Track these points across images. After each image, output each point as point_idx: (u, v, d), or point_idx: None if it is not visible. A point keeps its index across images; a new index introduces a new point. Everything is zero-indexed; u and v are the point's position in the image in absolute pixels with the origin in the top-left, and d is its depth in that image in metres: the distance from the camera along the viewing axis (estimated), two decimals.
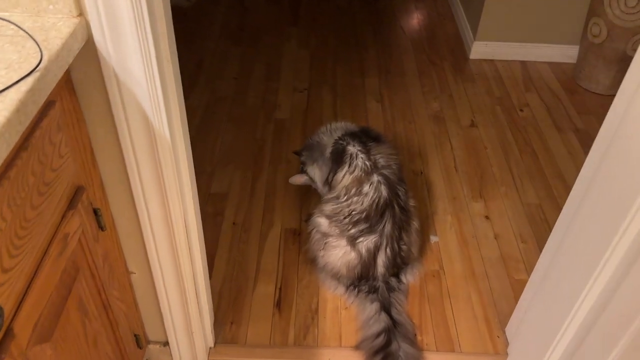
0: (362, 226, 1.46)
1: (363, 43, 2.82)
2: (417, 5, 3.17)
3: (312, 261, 1.64)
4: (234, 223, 1.80)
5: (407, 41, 2.85)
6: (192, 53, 2.65)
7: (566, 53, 2.69)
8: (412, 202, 1.61)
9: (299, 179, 1.72)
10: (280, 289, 1.60)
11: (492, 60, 2.71)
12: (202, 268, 1.19)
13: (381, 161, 1.51)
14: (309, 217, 1.75)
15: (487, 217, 1.87)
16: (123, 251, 1.11)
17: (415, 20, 3.04)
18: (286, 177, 1.98)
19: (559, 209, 1.93)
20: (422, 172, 2.04)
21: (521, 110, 2.38)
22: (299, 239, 1.76)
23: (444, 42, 2.85)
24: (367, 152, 1.51)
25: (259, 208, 1.86)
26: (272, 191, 1.92)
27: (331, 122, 1.68)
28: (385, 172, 1.49)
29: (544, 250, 1.27)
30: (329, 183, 1.57)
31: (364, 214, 1.46)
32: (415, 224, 1.60)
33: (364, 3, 3.18)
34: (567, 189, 1.98)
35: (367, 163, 1.49)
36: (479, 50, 2.69)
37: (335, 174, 1.53)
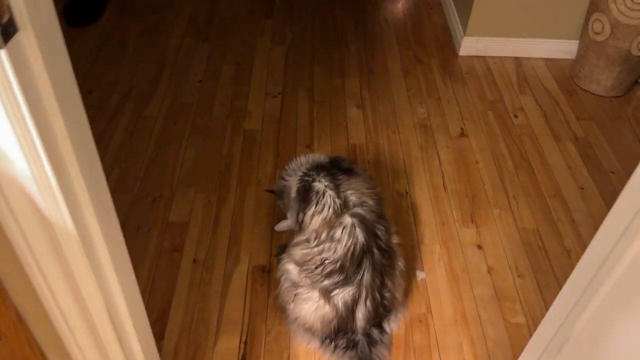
0: (336, 278, 1.26)
1: (343, 37, 2.57)
2: None
3: (282, 309, 1.44)
4: (194, 260, 1.59)
5: (392, 35, 2.61)
6: (154, 51, 2.39)
7: (563, 49, 2.47)
8: (395, 239, 1.41)
9: (282, 226, 1.52)
10: (245, 342, 1.41)
11: (483, 57, 2.49)
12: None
13: (353, 198, 1.30)
14: (280, 250, 1.55)
15: (479, 247, 1.68)
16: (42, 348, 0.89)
17: (400, 10, 2.79)
18: (255, 201, 1.76)
19: (557, 235, 1.76)
20: (407, 193, 1.84)
21: (515, 115, 2.17)
22: (269, 278, 1.56)
23: (431, 36, 2.61)
24: (336, 187, 1.29)
25: (224, 240, 1.65)
26: (239, 219, 1.71)
27: (299, 157, 1.46)
28: (359, 210, 1.29)
29: (546, 319, 1.07)
30: (299, 223, 1.36)
31: (338, 263, 1.26)
32: (399, 264, 1.40)
33: None
34: (566, 210, 1.80)
35: (337, 201, 1.28)
36: (470, 45, 2.47)
37: (303, 214, 1.32)
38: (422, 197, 1.82)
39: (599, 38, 2.16)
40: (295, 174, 1.39)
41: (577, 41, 2.43)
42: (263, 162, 1.91)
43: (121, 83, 2.20)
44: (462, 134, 2.08)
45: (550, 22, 2.39)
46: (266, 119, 2.10)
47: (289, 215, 1.44)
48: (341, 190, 1.29)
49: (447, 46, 2.54)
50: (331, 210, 1.26)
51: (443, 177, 1.89)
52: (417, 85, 2.31)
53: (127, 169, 1.84)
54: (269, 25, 2.62)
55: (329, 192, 1.28)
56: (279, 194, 1.48)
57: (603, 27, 2.12)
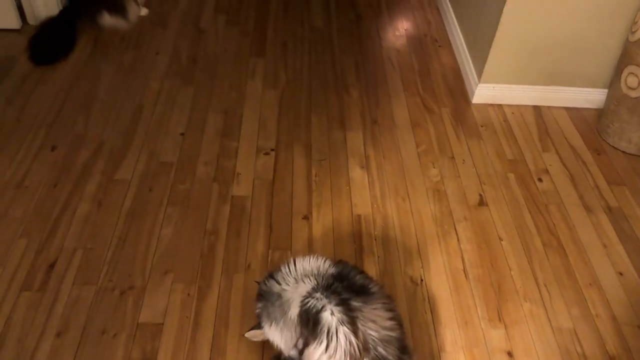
0: None
1: (344, 80, 2.31)
2: (408, 28, 2.66)
3: None
4: None
5: (397, 77, 2.35)
6: (130, 96, 2.10)
7: (587, 97, 2.24)
8: None
9: (257, 334, 1.23)
10: None
11: (500, 105, 2.24)
12: None
13: (373, 333, 1.03)
14: None
15: (509, 354, 1.42)
16: None
17: (405, 47, 2.54)
18: (244, 294, 1.49)
19: (597, 336, 1.49)
20: (422, 280, 1.57)
21: (540, 179, 1.92)
22: None
23: (440, 79, 2.36)
24: (352, 322, 1.02)
25: (205, 349, 1.36)
26: (224, 320, 1.43)
27: (295, 260, 1.18)
28: (381, 350, 1.02)
29: None
30: (298, 350, 1.09)
31: None
32: None
33: (343, 22, 2.66)
34: (604, 303, 1.55)
35: (354, 342, 1.01)
36: (485, 93, 2.22)
37: (306, 344, 1.05)
38: (440, 287, 1.56)
39: (634, 94, 1.92)
40: (297, 283, 1.12)
41: (603, 90, 2.20)
42: (253, 240, 1.63)
43: (90, 136, 1.92)
44: (481, 202, 1.82)
45: (573, 69, 2.15)
46: (257, 182, 1.82)
47: (266, 330, 1.16)
48: (359, 323, 1.02)
49: (459, 92, 2.29)
50: (347, 354, 0.99)
51: (463, 260, 1.63)
52: (427, 140, 2.05)
53: (93, 250, 1.55)
54: (260, 65, 2.34)
55: (344, 329, 1.01)
56: (264, 297, 1.19)
57: (639, 83, 1.89)
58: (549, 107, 2.25)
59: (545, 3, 1.96)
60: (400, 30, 2.64)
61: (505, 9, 1.97)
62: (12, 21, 2.32)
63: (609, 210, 1.83)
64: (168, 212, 1.68)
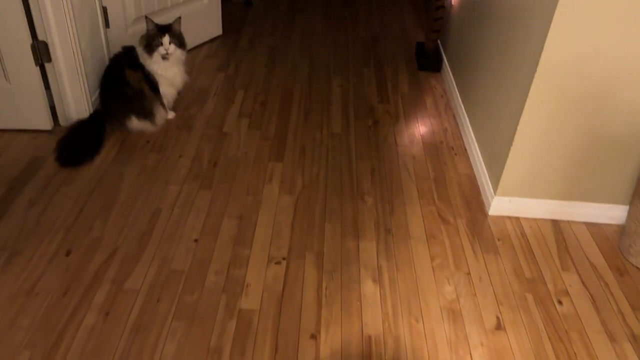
0: None
1: (359, 186, 2.33)
2: (424, 135, 2.71)
3: None
4: None
5: (412, 185, 2.36)
6: (149, 200, 2.15)
7: (608, 214, 2.20)
8: None
9: None
10: None
11: (517, 218, 2.21)
12: None
13: None
14: None
15: None
16: None
17: (421, 154, 2.57)
18: None
19: None
20: None
21: (559, 302, 1.85)
22: None
23: (456, 188, 2.36)
24: None
25: None
26: None
27: None
28: None
29: None
30: None
31: None
32: None
33: (361, 128, 2.72)
34: None
35: None
36: (501, 206, 2.20)
37: None
38: None
39: None
40: None
41: (624, 206, 2.16)
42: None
43: (106, 241, 1.94)
44: (499, 326, 1.74)
45: (592, 184, 2.13)
46: (266, 294, 1.79)
47: None
48: None
49: (475, 202, 2.28)
50: None
51: None
52: (442, 254, 2.01)
53: None
54: (278, 170, 2.39)
55: None
56: None
57: None
58: (568, 222, 2.21)
59: (560, 119, 1.98)
60: (416, 136, 2.69)
61: (521, 122, 1.99)
62: (44, 122, 2.45)
63: (633, 339, 1.73)
64: (173, 327, 1.65)
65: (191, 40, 3.27)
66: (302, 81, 3.11)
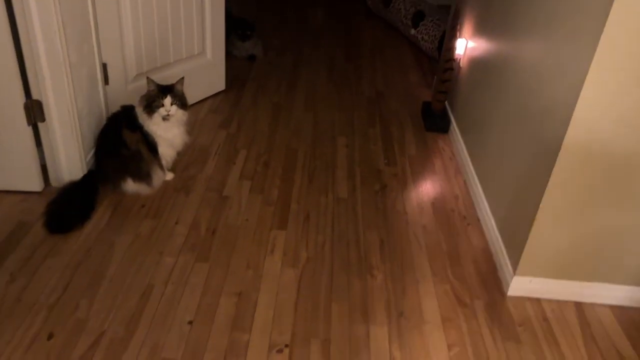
0: None
1: (367, 260, 2.18)
2: (434, 202, 2.58)
3: None
4: None
5: (425, 259, 2.21)
6: (140, 274, 1.99)
7: (633, 296, 2.05)
8: None
9: None
10: None
11: (538, 300, 2.06)
12: None
13: None
14: None
15: None
16: None
17: (432, 224, 2.43)
18: None
19: None
20: None
21: None
22: None
23: (471, 263, 2.21)
24: None
25: None
26: None
27: None
28: None
29: None
30: None
31: None
32: None
33: (368, 193, 2.59)
34: None
35: None
36: (521, 287, 2.05)
37: None
38: None
39: None
40: None
41: None
42: None
43: (92, 324, 1.77)
44: None
45: (617, 265, 1.99)
46: None
47: None
48: None
49: (492, 280, 2.13)
50: None
51: None
52: (460, 342, 1.84)
53: None
54: (281, 239, 2.24)
55: None
56: None
57: None
58: (592, 305, 2.06)
59: (584, 198, 1.86)
60: (426, 204, 2.56)
61: (543, 200, 1.86)
62: (34, 184, 2.31)
63: None
64: None
65: (194, 95, 3.18)
66: (306, 141, 3.00)
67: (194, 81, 3.14)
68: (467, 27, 3.05)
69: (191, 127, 2.96)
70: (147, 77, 2.26)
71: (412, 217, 2.46)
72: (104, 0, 2.42)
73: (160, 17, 2.75)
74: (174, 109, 2.29)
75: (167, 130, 2.34)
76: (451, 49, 3.01)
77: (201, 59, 3.14)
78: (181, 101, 2.32)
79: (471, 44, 2.95)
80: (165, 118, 2.29)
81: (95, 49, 2.42)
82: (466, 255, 2.26)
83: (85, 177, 2.36)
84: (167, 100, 2.25)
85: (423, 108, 3.37)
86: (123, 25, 2.57)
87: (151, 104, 2.26)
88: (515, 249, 2.04)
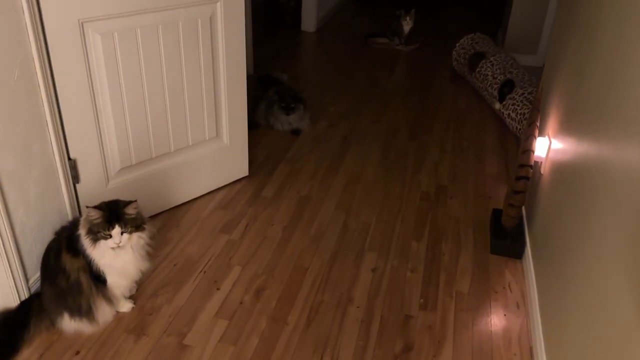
0: None
1: None
2: (494, 330, 1.77)
3: None
4: None
5: None
6: None
7: None
8: None
9: None
10: None
11: None
12: None
13: None
14: None
15: None
16: None
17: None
18: None
19: None
20: None
21: None
22: None
23: None
24: None
25: None
26: None
27: None
28: None
29: None
30: None
31: None
32: None
33: (384, 357, 1.85)
34: None
35: None
36: None
37: None
38: None
39: None
40: None
41: None
42: None
43: None
44: None
45: None
46: None
47: None
48: None
49: None
50: None
51: None
52: None
53: None
54: None
55: None
56: None
57: None
58: None
59: None
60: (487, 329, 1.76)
61: None
62: None
63: None
64: None
65: (203, 186, 2.68)
66: (323, 256, 2.34)
67: (203, 170, 2.64)
68: (552, 121, 2.21)
69: (187, 230, 2.44)
70: (87, 207, 1.76)
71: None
72: (69, 89, 2.00)
73: (154, 103, 2.29)
74: (125, 238, 1.77)
75: (116, 258, 1.82)
76: (528, 150, 2.18)
77: (214, 145, 2.64)
78: (135, 224, 1.80)
79: (557, 144, 2.11)
80: (114, 248, 1.78)
81: (55, 145, 2.00)
82: None
83: (22, 304, 1.91)
84: (116, 231, 1.74)
85: (493, 218, 2.54)
86: (101, 115, 2.14)
87: (96, 233, 1.76)
88: None
